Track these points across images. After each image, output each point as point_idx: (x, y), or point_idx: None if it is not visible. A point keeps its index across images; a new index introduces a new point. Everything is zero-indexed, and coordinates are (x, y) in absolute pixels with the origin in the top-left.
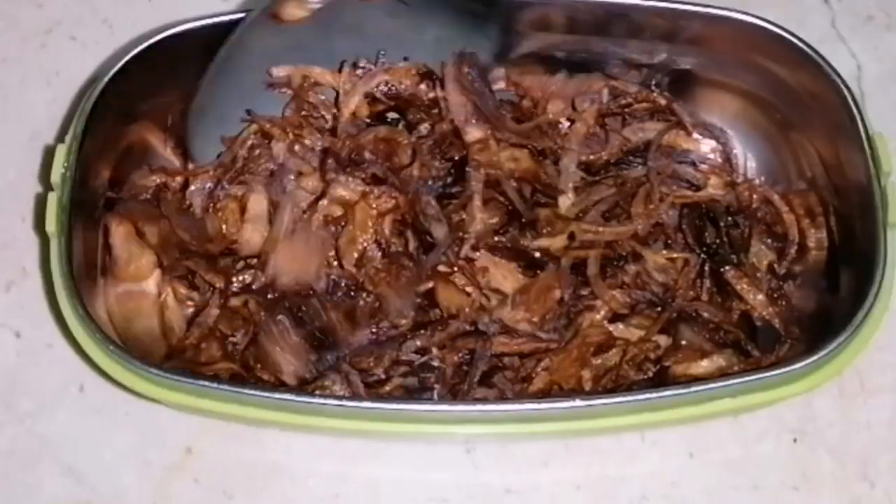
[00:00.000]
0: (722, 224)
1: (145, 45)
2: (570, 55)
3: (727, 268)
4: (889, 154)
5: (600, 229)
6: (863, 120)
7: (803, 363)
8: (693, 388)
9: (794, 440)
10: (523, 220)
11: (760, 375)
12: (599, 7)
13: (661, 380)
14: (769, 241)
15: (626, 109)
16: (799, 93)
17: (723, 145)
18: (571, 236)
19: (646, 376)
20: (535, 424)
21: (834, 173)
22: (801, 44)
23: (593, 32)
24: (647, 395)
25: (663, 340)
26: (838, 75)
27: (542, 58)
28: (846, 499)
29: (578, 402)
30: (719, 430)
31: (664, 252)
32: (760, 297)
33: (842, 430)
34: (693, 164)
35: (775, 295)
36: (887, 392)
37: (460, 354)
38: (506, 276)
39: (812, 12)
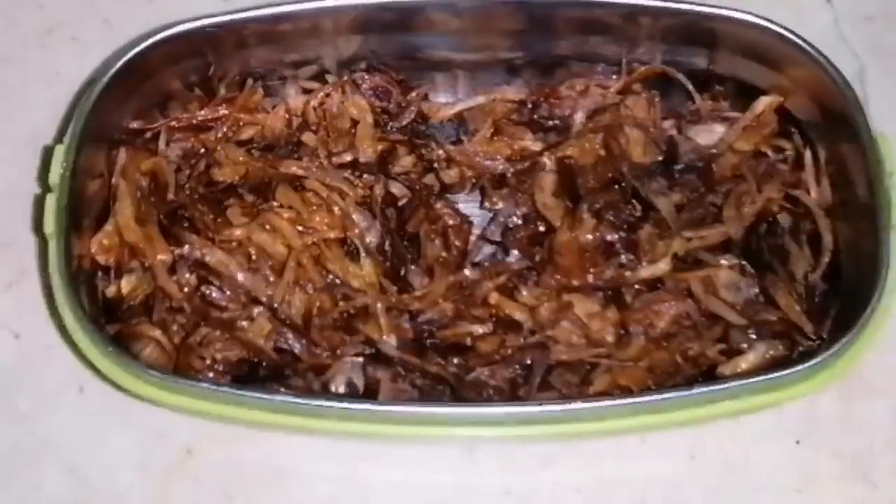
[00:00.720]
0: (780, 229)
1: (145, 45)
2: (571, 56)
3: (769, 276)
4: (892, 154)
5: (703, 233)
6: (865, 120)
7: (805, 365)
8: (695, 391)
9: (797, 442)
10: (619, 250)
11: (762, 378)
12: (599, 7)
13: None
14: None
15: (689, 114)
16: (801, 93)
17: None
18: (674, 256)
19: (700, 370)
20: (536, 427)
21: (836, 174)
22: (803, 43)
23: (593, 32)
24: (648, 398)
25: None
26: (840, 75)
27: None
28: (848, 501)
29: (578, 405)
30: (720, 432)
31: (726, 258)
32: (797, 307)
33: (844, 432)
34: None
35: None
36: (890, 394)
37: (510, 370)
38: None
39: (814, 12)
